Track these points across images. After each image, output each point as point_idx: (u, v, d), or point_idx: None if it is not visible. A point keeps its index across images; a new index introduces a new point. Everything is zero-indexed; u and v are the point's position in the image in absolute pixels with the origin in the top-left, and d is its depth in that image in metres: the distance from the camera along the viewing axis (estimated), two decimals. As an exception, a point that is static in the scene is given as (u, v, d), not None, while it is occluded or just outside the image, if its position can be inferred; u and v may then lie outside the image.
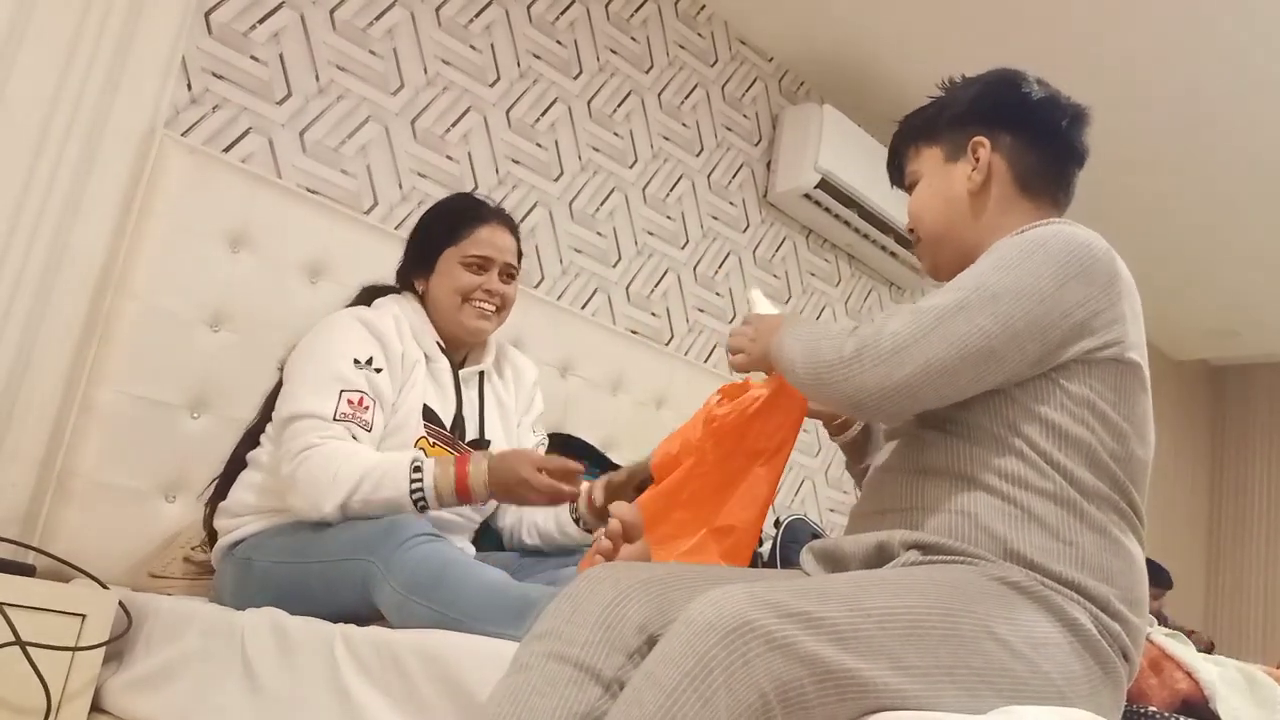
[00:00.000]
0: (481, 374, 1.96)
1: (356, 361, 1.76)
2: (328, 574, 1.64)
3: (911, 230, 1.50)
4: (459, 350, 1.91)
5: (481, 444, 1.89)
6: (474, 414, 1.91)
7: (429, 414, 1.83)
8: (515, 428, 1.99)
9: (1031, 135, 1.43)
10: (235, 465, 1.90)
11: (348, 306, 1.93)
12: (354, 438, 1.71)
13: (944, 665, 1.04)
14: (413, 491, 1.64)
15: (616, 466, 2.43)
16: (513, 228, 1.98)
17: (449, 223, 1.94)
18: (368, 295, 1.97)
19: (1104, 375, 1.24)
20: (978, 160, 1.42)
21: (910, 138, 1.51)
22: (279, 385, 1.88)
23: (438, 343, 1.90)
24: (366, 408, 1.74)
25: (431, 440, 1.83)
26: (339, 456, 1.66)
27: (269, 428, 1.87)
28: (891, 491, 1.30)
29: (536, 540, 1.91)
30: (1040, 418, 1.23)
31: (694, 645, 0.97)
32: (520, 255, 2.00)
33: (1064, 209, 1.44)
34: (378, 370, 1.77)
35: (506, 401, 1.98)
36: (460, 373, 1.92)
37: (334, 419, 1.70)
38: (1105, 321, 1.24)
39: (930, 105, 1.51)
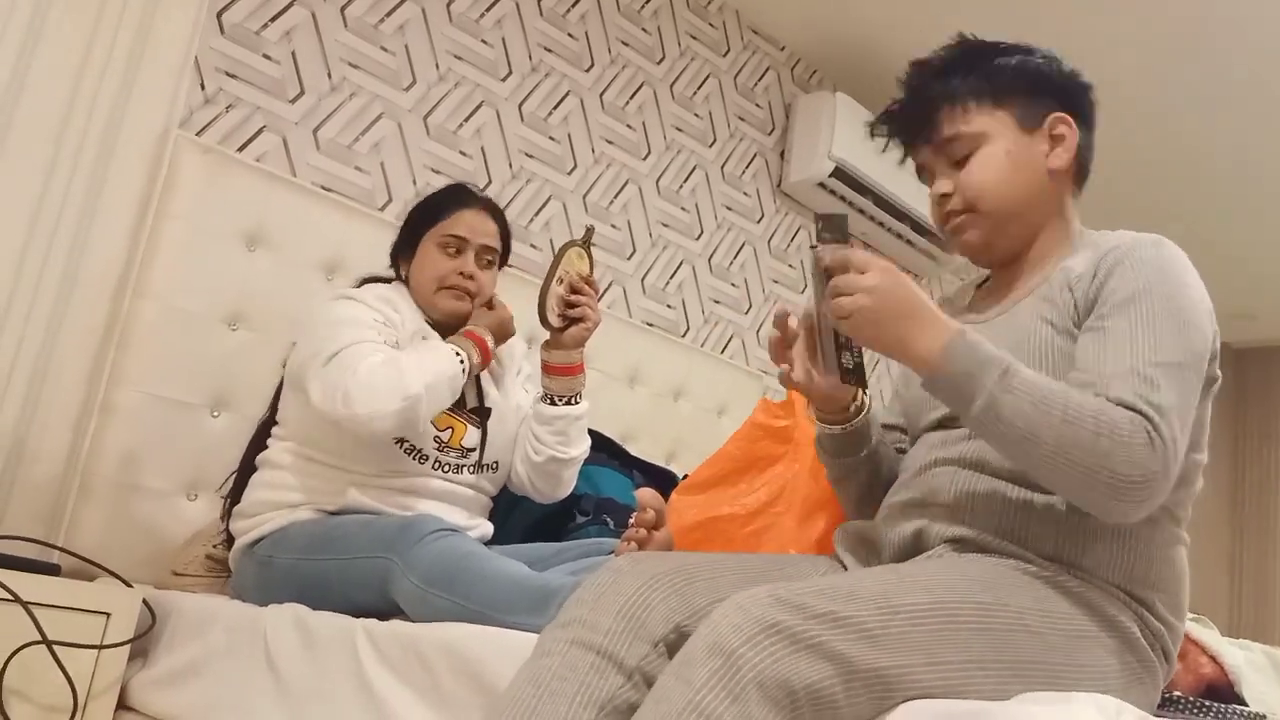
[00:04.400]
0: None
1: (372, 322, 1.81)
2: (346, 572, 1.66)
3: (954, 203, 1.31)
4: (447, 332, 1.93)
5: (483, 411, 1.93)
6: (472, 384, 1.94)
7: None
8: (510, 391, 2.02)
9: (1088, 127, 1.31)
10: (248, 467, 1.91)
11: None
12: None
13: (976, 659, 1.03)
14: (461, 362, 1.79)
15: (634, 459, 2.44)
16: (496, 213, 1.99)
17: (433, 206, 1.98)
18: (361, 284, 2.00)
19: None
20: (1061, 139, 1.28)
21: (961, 95, 1.29)
22: (283, 383, 1.91)
23: (427, 322, 1.94)
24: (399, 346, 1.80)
25: None
26: (397, 360, 1.72)
27: (275, 429, 1.89)
28: (941, 484, 1.24)
29: (539, 443, 1.92)
30: None
31: (721, 645, 0.95)
32: (505, 240, 2.01)
33: None
34: (389, 328, 1.83)
35: (498, 372, 2.02)
36: None
37: (381, 342, 1.76)
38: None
39: (978, 60, 1.29)
